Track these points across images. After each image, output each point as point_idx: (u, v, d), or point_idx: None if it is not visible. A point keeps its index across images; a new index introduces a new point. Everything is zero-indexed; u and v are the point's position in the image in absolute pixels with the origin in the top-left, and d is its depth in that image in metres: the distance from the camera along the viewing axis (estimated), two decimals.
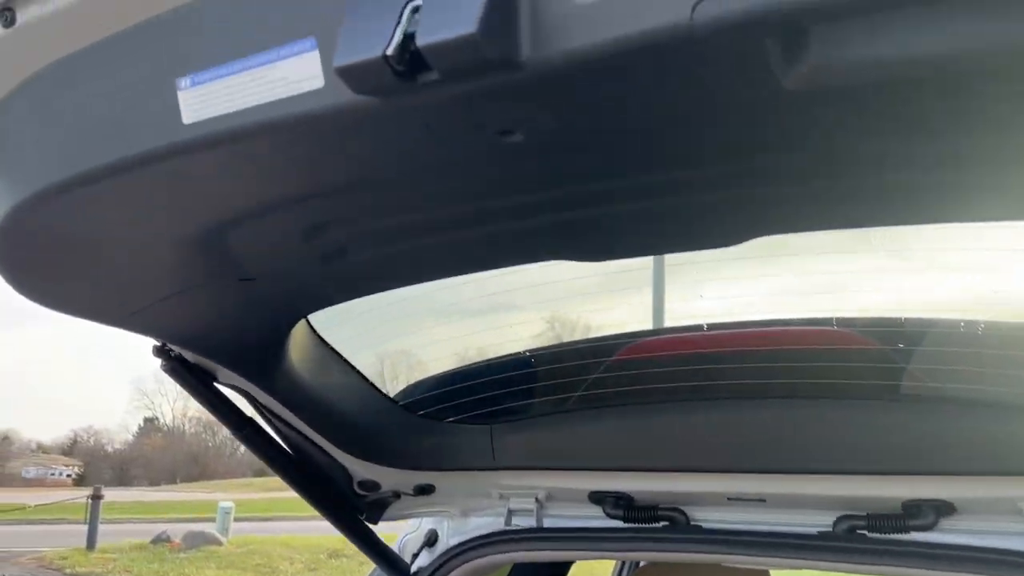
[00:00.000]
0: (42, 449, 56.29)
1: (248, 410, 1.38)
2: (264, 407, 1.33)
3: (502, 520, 1.48)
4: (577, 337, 1.50)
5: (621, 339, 1.39)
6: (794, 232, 1.01)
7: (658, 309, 1.45)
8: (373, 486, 1.50)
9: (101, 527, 12.69)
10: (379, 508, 1.56)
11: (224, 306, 1.13)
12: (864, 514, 1.10)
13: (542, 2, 0.57)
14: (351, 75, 0.59)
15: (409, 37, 0.56)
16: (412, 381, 1.47)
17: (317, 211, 0.90)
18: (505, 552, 1.43)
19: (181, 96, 0.69)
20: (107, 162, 0.75)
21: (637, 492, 1.28)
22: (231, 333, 1.21)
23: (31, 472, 45.85)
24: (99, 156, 0.75)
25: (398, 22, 0.57)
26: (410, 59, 0.57)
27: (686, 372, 1.26)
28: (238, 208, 0.85)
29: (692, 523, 1.25)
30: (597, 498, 1.34)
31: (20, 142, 0.81)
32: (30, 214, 0.81)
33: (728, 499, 1.21)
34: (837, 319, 1.20)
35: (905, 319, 1.15)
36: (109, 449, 57.30)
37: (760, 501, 1.18)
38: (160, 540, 12.40)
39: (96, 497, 12.58)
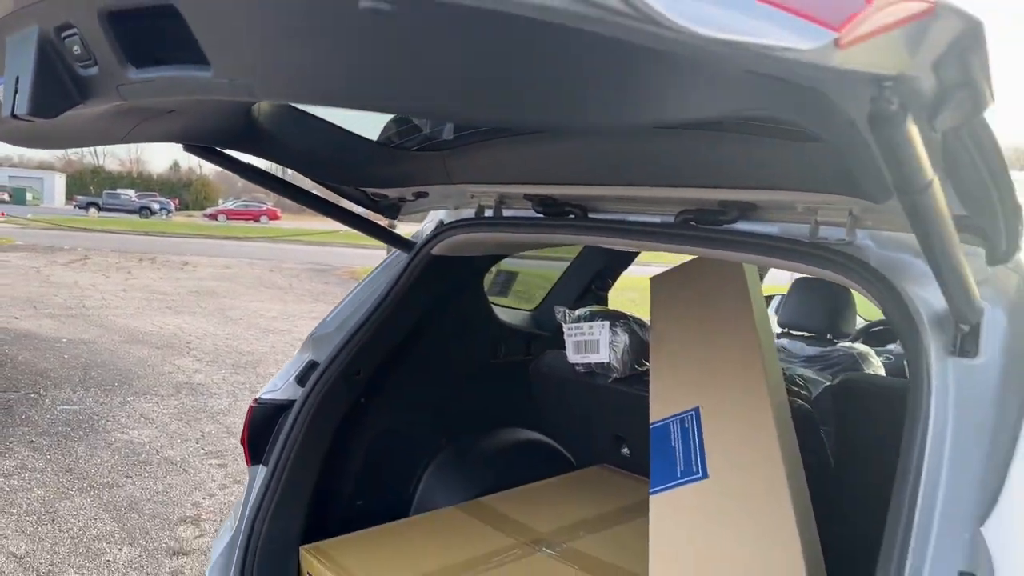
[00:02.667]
0: None
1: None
2: None
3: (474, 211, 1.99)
4: None
5: None
6: None
7: None
8: (383, 196, 2.00)
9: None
10: (395, 209, 2.08)
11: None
12: (695, 210, 1.55)
13: None
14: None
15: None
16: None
17: None
18: (473, 231, 1.95)
19: None
20: None
21: (555, 195, 1.75)
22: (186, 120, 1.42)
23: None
24: None
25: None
26: None
27: None
28: None
29: (589, 216, 1.74)
30: (529, 199, 1.80)
31: None
32: None
33: (610, 200, 1.68)
34: None
35: None
36: None
37: (630, 201, 1.64)
38: None
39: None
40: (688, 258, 2.18)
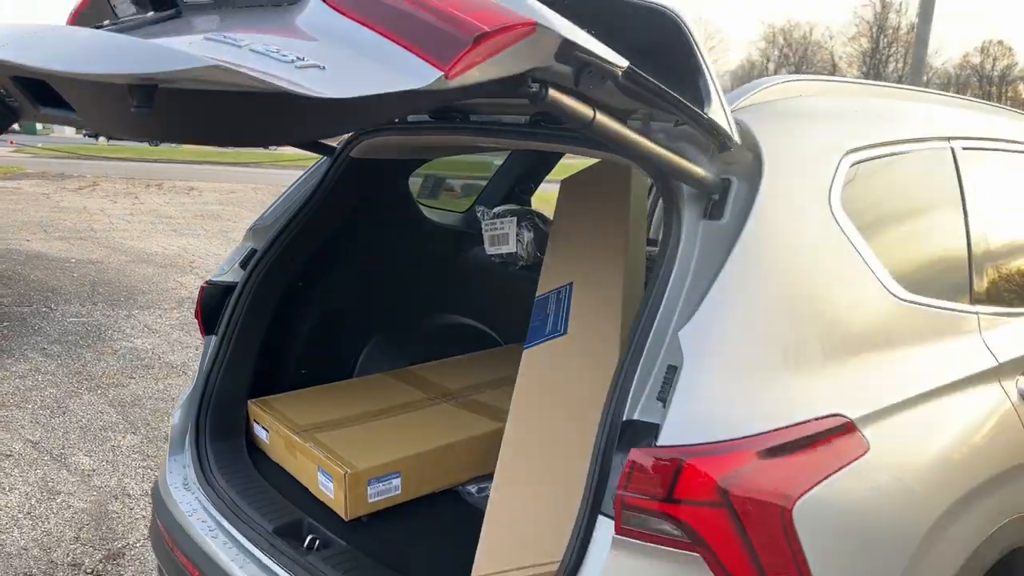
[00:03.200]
0: None
1: None
2: None
3: None
4: None
5: None
6: None
7: None
8: None
9: None
10: None
11: None
12: (544, 113, 1.87)
13: None
14: None
15: None
16: None
17: None
18: (383, 135, 2.28)
19: None
20: None
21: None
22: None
23: None
24: None
25: None
26: None
27: None
28: None
29: (470, 118, 2.07)
30: None
31: None
32: None
33: (481, 106, 2.01)
34: None
35: None
36: None
37: (494, 105, 1.98)
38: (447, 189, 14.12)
39: None
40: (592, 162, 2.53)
